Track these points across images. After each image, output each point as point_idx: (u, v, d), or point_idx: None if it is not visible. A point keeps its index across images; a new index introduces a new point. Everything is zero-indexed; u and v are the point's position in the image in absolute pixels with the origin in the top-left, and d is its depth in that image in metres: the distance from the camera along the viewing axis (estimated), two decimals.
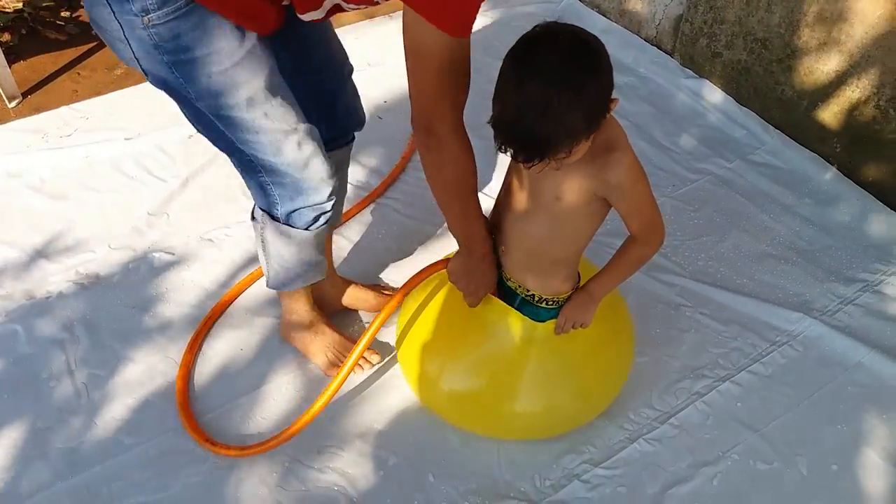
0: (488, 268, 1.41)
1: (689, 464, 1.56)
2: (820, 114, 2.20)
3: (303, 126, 1.28)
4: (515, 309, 1.45)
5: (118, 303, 1.81)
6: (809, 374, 1.73)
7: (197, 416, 1.59)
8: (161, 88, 1.22)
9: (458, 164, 1.24)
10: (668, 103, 2.49)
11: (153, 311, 1.80)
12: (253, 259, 1.91)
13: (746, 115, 2.37)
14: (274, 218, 1.41)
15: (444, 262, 1.48)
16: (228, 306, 1.81)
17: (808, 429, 1.63)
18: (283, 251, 1.47)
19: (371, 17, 2.75)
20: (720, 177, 2.22)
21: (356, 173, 2.14)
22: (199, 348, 1.72)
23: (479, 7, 1.07)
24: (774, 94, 2.30)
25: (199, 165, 2.15)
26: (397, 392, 1.66)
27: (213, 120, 1.23)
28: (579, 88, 1.02)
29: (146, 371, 1.68)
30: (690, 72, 2.53)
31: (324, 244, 1.52)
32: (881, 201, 2.09)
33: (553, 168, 1.10)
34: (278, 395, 1.65)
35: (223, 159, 2.07)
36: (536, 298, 1.43)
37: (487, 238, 1.39)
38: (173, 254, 1.92)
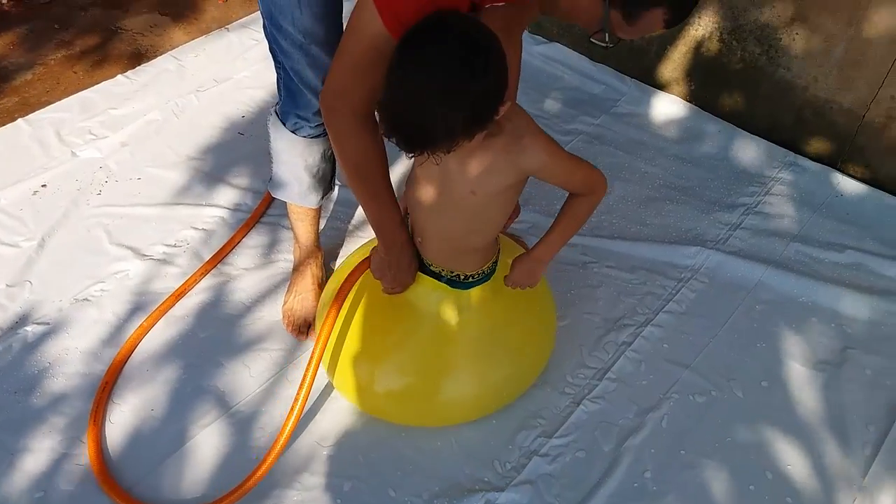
0: (407, 258, 1.39)
1: (635, 413, 1.59)
2: (670, 56, 2.31)
3: (317, 48, 1.36)
4: None
5: None
6: (719, 302, 1.80)
7: (124, 490, 1.43)
8: None
9: (359, 145, 1.24)
10: (526, 72, 2.48)
11: (39, 391, 1.59)
12: (139, 308, 1.74)
13: (602, 70, 2.44)
14: (276, 113, 1.56)
15: (367, 262, 1.42)
16: (124, 366, 1.64)
17: (732, 354, 1.70)
18: (273, 147, 1.60)
19: (206, 32, 2.59)
20: (590, 134, 2.27)
21: (232, 196, 2.02)
22: (104, 419, 1.55)
23: (419, 16, 1.03)
24: (624, 45, 2.38)
25: (54, 221, 1.93)
26: (332, 413, 1.57)
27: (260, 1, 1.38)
28: (460, 87, 1.00)
29: (49, 458, 1.49)
30: (540, 38, 2.58)
31: (316, 165, 1.60)
32: (741, 128, 2.23)
33: (433, 162, 1.07)
34: (206, 448, 1.51)
35: (75, 208, 1.92)
36: (462, 277, 1.40)
37: (401, 226, 1.36)
38: (48, 323, 1.72)
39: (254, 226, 1.95)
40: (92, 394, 1.58)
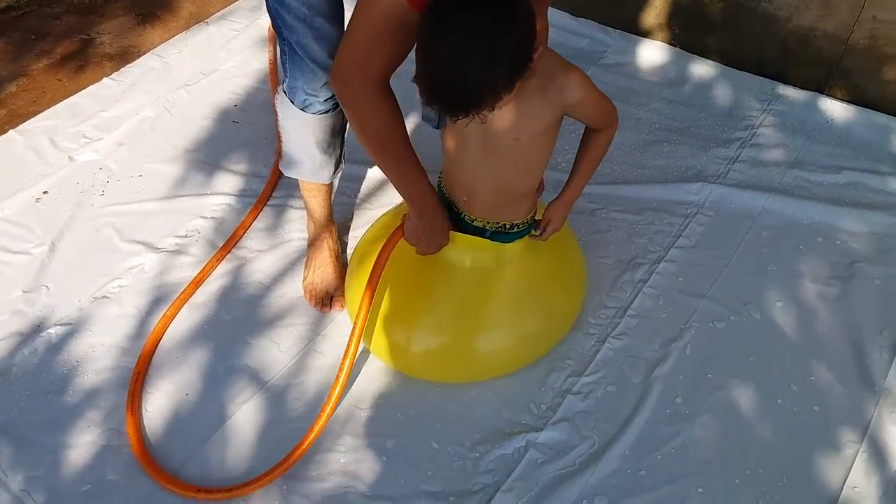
0: (440, 219, 1.41)
1: (659, 345, 1.63)
2: (651, 3, 2.34)
3: (321, 21, 1.37)
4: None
5: (28, 394, 1.60)
6: (727, 233, 1.85)
7: (169, 474, 1.45)
8: None
9: (380, 114, 1.24)
10: None
11: (72, 389, 1.61)
12: (160, 299, 1.76)
13: (585, 24, 2.47)
14: (283, 91, 1.54)
15: (399, 231, 1.44)
16: (153, 356, 1.66)
17: (745, 279, 1.74)
18: (283, 125, 1.60)
19: (185, 28, 2.59)
20: None
21: (235, 183, 2.03)
22: (140, 408, 1.56)
23: None
24: None
25: (61, 225, 1.93)
26: (366, 376, 1.60)
27: None
28: (498, 45, 1.00)
29: (91, 451, 1.50)
30: None
31: (326, 141, 1.60)
32: (728, 66, 2.26)
33: (479, 122, 1.08)
34: (245, 426, 1.53)
35: (80, 210, 1.93)
36: (508, 227, 1.43)
37: (430, 189, 1.38)
38: (70, 323, 1.72)
39: (262, 208, 1.97)
40: (125, 386, 1.60)
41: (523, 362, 1.57)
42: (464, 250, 1.46)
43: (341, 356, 1.48)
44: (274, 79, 2.34)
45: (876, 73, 2.05)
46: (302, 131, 1.58)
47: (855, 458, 1.43)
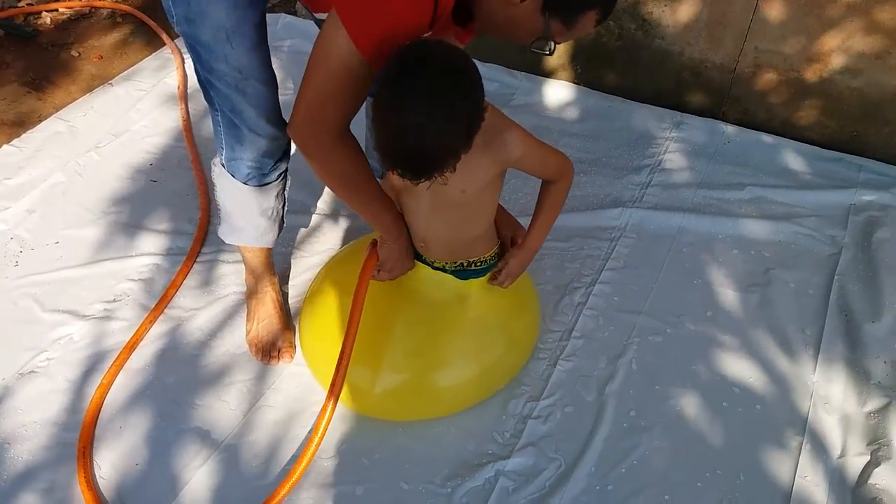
0: (407, 242, 1.44)
1: (605, 362, 1.69)
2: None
3: (256, 84, 1.35)
4: None
5: None
6: (651, 252, 1.95)
7: None
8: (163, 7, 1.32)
9: (343, 161, 1.27)
10: None
11: (4, 472, 1.49)
12: (93, 369, 1.66)
13: (492, 69, 2.58)
14: (221, 161, 1.51)
15: (373, 259, 1.44)
16: (94, 428, 1.56)
17: (675, 294, 1.85)
18: (223, 197, 1.57)
19: (91, 90, 2.50)
20: None
21: (160, 242, 1.96)
22: (95, 483, 1.46)
23: (395, 40, 1.08)
24: (508, 44, 2.52)
25: None
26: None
27: (187, 43, 1.33)
28: (457, 111, 1.07)
29: None
30: None
31: (270, 208, 1.58)
32: (630, 99, 2.42)
33: (440, 182, 1.12)
34: (203, 491, 1.45)
35: None
36: (467, 264, 1.47)
37: (399, 215, 1.42)
38: None
39: (192, 265, 1.91)
40: (65, 463, 1.49)
41: (488, 393, 1.59)
42: (424, 284, 1.48)
43: (297, 410, 1.45)
44: (189, 136, 2.30)
45: (762, 98, 2.26)
46: (244, 203, 1.56)
47: (800, 449, 1.52)
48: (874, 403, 1.60)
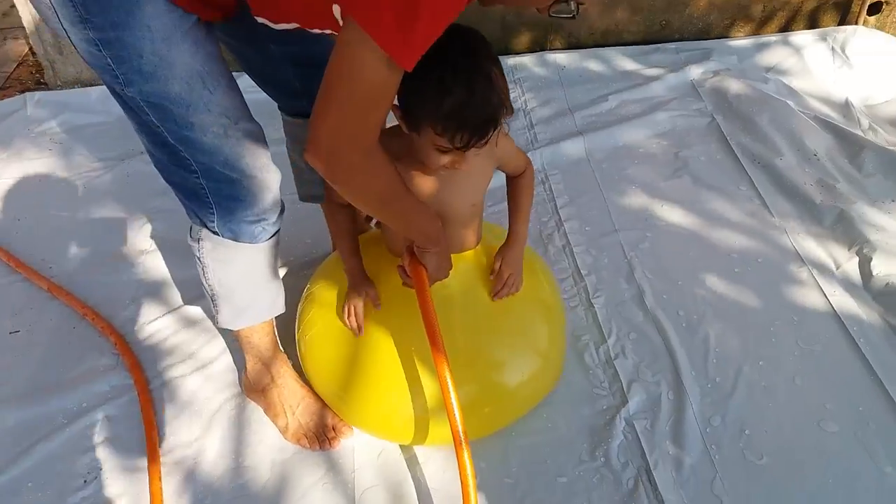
0: (447, 244, 1.31)
1: (625, 283, 1.72)
2: None
3: (245, 124, 1.16)
4: None
5: None
6: (581, 178, 2.03)
7: None
8: (91, 66, 1.07)
9: (385, 173, 1.10)
10: None
11: None
12: None
13: None
14: (213, 232, 1.24)
15: (422, 270, 1.29)
16: None
17: (626, 203, 1.95)
18: (224, 274, 1.30)
19: None
20: None
21: (87, 391, 1.54)
22: None
23: (437, 36, 0.94)
24: None
25: None
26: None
27: (144, 109, 1.08)
28: (499, 66, 1.12)
29: None
30: None
31: (276, 264, 1.36)
32: None
33: (492, 142, 1.14)
34: None
35: None
36: None
37: (436, 216, 1.27)
38: None
39: (151, 394, 1.53)
40: None
41: (559, 367, 1.50)
42: (457, 286, 1.38)
43: (399, 474, 1.31)
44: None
45: (580, 20, 2.43)
46: (254, 268, 1.31)
47: (813, 275, 1.72)
48: (829, 218, 1.85)
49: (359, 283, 1.38)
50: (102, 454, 1.43)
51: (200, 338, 1.64)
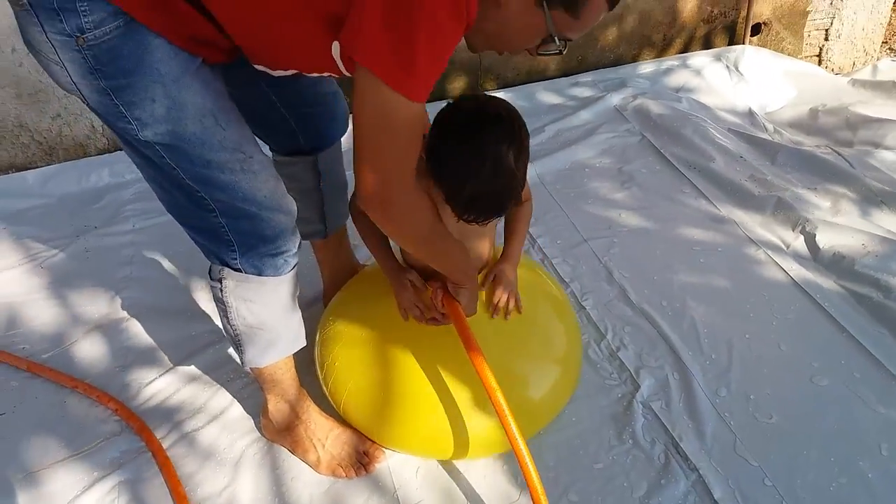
0: (477, 279, 1.40)
1: (607, 284, 1.83)
2: None
3: (259, 157, 1.17)
4: None
5: None
6: (540, 199, 2.14)
7: None
8: (101, 118, 1.09)
9: (426, 210, 1.18)
10: None
11: None
12: None
13: None
14: (236, 270, 1.23)
15: (457, 306, 1.34)
16: None
17: (588, 217, 2.07)
18: (248, 311, 1.28)
19: None
20: None
21: (98, 461, 1.45)
22: None
23: (439, 74, 1.01)
24: None
25: None
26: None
27: (159, 152, 1.09)
28: (526, 156, 1.21)
29: None
30: None
31: (296, 295, 1.35)
32: None
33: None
34: None
35: None
36: None
37: (467, 250, 1.34)
38: None
39: (167, 453, 1.46)
40: None
41: (577, 372, 1.56)
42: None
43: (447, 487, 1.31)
44: None
45: (504, 61, 2.60)
46: (278, 301, 1.30)
47: (775, 254, 1.90)
48: (770, 205, 2.04)
49: (397, 275, 1.41)
50: None
51: (205, 391, 1.60)
